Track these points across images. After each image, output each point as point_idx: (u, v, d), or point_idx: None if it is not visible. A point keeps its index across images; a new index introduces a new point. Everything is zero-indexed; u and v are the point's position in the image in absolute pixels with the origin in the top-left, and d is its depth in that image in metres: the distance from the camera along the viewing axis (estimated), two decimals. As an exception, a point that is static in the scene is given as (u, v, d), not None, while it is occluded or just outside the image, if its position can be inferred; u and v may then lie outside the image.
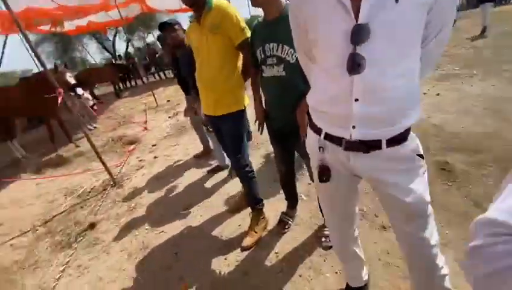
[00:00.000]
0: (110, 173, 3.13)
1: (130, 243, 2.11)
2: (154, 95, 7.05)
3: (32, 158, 4.77)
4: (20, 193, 3.39)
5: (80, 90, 4.58)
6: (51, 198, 3.19)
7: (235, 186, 2.52)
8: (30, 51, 3.37)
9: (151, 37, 24.01)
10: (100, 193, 3.06)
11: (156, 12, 12.88)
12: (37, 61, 2.94)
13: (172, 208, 2.47)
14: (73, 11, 6.69)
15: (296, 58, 1.27)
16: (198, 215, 2.29)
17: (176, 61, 2.70)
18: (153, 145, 4.23)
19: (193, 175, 2.99)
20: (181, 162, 3.42)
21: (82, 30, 10.53)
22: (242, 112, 1.72)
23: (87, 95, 5.23)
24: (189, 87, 2.52)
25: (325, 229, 1.72)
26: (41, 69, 3.19)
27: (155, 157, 3.75)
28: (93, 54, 21.47)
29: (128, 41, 20.34)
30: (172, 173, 3.18)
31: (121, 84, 11.06)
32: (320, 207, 1.53)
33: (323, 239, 1.70)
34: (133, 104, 7.84)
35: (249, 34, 1.52)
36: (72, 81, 4.51)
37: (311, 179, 1.59)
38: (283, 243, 1.79)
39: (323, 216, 1.77)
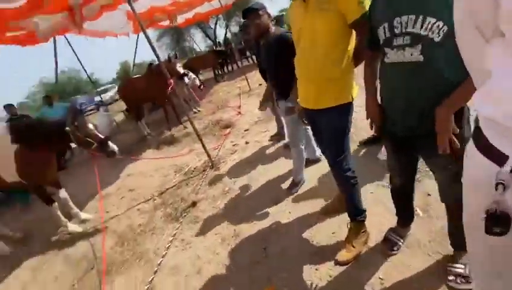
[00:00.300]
0: (209, 155, 3.43)
1: (224, 229, 2.24)
2: (247, 80, 7.31)
3: (154, 136, 5.84)
4: (145, 166, 4.17)
5: (186, 79, 5.18)
6: (166, 173, 3.79)
7: (327, 183, 2.28)
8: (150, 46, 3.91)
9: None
10: (201, 172, 3.41)
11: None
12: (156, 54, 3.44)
13: (261, 198, 2.47)
14: (183, 4, 7.54)
15: (444, 35, 0.88)
16: (287, 211, 2.19)
17: (259, 49, 2.58)
18: (245, 130, 4.39)
19: (282, 165, 2.91)
20: (271, 149, 3.40)
21: (190, 22, 11.94)
22: (349, 106, 1.43)
23: (194, 77, 5.92)
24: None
25: (458, 265, 1.29)
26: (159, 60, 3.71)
27: (246, 142, 3.87)
28: (198, 42, 24.39)
29: (226, 27, 21.95)
30: (262, 160, 3.19)
31: (220, 70, 12.09)
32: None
33: (451, 277, 1.28)
34: (229, 88, 8.41)
35: (367, 7, 1.18)
36: (181, 70, 5.12)
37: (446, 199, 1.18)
38: (389, 267, 1.47)
39: (455, 248, 1.34)
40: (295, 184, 2.39)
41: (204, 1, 8.69)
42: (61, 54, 6.99)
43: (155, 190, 3.37)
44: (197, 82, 5.98)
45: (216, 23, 21.48)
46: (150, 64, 7.67)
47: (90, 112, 14.55)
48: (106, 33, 7.40)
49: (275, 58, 1.99)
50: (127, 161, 4.41)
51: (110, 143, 2.66)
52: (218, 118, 5.42)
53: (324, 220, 1.94)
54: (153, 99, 6.19)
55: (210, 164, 3.44)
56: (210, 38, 21.67)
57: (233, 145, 3.97)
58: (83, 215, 3.15)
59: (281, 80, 2.05)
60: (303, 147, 2.34)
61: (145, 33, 3.01)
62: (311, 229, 1.91)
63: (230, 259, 1.91)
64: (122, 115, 8.98)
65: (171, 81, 3.05)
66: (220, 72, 11.15)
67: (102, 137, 2.64)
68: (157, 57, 3.05)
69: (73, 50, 6.92)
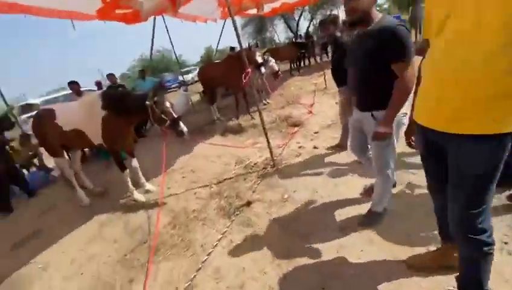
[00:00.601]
0: (271, 153, 3.19)
1: (276, 244, 1.97)
2: (324, 76, 6.76)
3: (222, 121, 5.95)
4: (209, 150, 4.22)
5: (263, 69, 5.02)
6: (227, 161, 3.73)
7: (417, 220, 1.75)
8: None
9: (335, 13, 23.77)
10: (261, 169, 3.20)
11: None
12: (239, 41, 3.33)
13: (326, 219, 2.10)
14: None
15: None
16: (358, 247, 1.77)
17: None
18: (314, 133, 3.99)
19: (355, 183, 2.44)
20: (342, 163, 2.94)
21: (275, 11, 11.79)
22: (510, 137, 0.93)
23: (273, 63, 5.74)
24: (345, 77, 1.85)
25: None
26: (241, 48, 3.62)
27: (315, 147, 3.48)
28: (279, 33, 24.30)
29: (310, 20, 21.17)
30: (331, 172, 2.78)
31: (297, 63, 11.70)
32: None
33: None
34: (303, 84, 7.98)
35: None
36: (260, 60, 4.96)
37: None
38: None
39: None
40: (373, 215, 1.92)
41: None
42: (157, 34, 7.67)
43: (214, 177, 3.34)
44: (275, 68, 5.78)
45: (301, 15, 20.90)
46: (232, 49, 7.86)
47: (173, 90, 16.20)
48: (196, 17, 7.83)
49: (372, 56, 1.46)
50: (194, 141, 4.57)
51: (181, 123, 2.70)
52: (287, 114, 5.12)
53: (410, 276, 1.47)
54: (227, 85, 6.28)
55: (271, 163, 3.20)
56: (291, 30, 21.27)
57: (300, 147, 3.63)
58: (148, 186, 3.35)
59: (374, 87, 1.56)
60: (391, 172, 1.77)
61: (233, 19, 2.87)
62: (390, 284, 1.47)
63: (279, 286, 1.63)
64: (198, 96, 9.56)
65: (249, 70, 2.88)
66: (296, 65, 10.73)
67: (175, 116, 2.69)
68: (240, 44, 2.91)
69: (167, 31, 7.54)
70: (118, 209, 3.12)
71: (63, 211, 3.49)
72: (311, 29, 20.94)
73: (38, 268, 2.44)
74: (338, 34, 2.85)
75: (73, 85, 4.48)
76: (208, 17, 8.76)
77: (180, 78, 14.88)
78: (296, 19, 20.94)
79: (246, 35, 22.58)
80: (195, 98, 9.62)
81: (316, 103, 5.47)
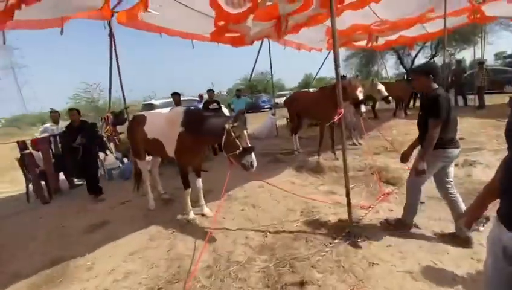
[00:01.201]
0: (349, 215, 2.46)
1: None
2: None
3: (300, 153, 5.47)
4: (277, 185, 3.80)
5: (363, 108, 4.32)
6: (291, 206, 3.19)
7: None
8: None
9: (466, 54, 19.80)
10: (329, 235, 2.50)
11: (491, 21, 9.81)
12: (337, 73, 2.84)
13: None
14: (391, 26, 6.54)
15: None
16: None
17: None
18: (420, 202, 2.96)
19: None
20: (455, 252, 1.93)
21: (389, 44, 10.62)
22: None
23: (381, 87, 5.04)
24: None
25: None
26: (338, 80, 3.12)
27: (415, 225, 2.51)
28: (389, 68, 22.20)
29: (431, 57, 18.38)
30: (427, 271, 1.85)
31: (407, 103, 10.12)
32: None
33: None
34: (409, 129, 6.61)
35: None
36: (361, 97, 4.29)
37: None
38: None
39: None
40: None
41: (417, 22, 7.20)
42: (262, 56, 8.01)
43: (272, 221, 2.86)
44: (385, 92, 5.10)
45: (419, 51, 18.47)
46: (343, 77, 7.28)
47: (266, 110, 16.88)
48: (301, 45, 7.79)
49: None
50: (264, 170, 4.23)
51: (252, 155, 2.44)
52: (381, 165, 4.15)
53: None
54: (315, 118, 5.80)
55: (347, 230, 2.46)
56: (404, 66, 19.00)
57: (391, 212, 2.74)
58: (205, 210, 3.17)
59: None
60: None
61: (335, 52, 2.40)
62: None
63: None
64: (285, 121, 9.41)
65: (342, 110, 2.34)
66: (403, 105, 9.19)
67: (249, 145, 2.45)
68: (337, 76, 2.42)
69: (270, 54, 7.75)
70: (171, 225, 3.04)
71: (132, 209, 3.72)
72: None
73: (87, 264, 2.52)
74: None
75: (175, 96, 5.00)
76: (314, 46, 8.66)
77: (275, 100, 15.39)
78: (413, 54, 18.62)
79: (349, 66, 21.65)
80: (282, 122, 9.51)
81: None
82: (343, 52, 22.68)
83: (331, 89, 4.18)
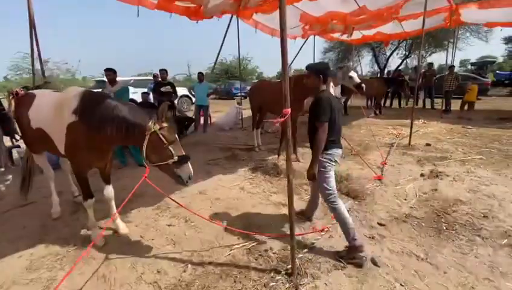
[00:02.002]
0: (292, 253, 1.87)
1: None
2: (411, 126, 5.04)
3: (261, 150, 4.89)
4: (227, 185, 3.16)
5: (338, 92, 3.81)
6: (230, 221, 2.58)
7: None
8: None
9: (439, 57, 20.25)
10: (268, 271, 1.93)
11: (463, 25, 9.85)
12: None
13: None
14: (370, 16, 6.05)
15: None
16: None
17: None
18: (378, 224, 2.49)
19: None
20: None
21: (366, 39, 10.28)
22: None
23: (353, 74, 4.62)
24: None
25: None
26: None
27: (373, 262, 2.01)
28: (365, 65, 22.33)
29: (405, 58, 18.67)
30: None
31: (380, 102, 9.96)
32: None
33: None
34: (378, 130, 6.31)
35: None
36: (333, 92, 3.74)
37: None
38: None
39: None
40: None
41: (395, 18, 6.81)
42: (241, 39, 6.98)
43: (200, 246, 2.22)
44: (357, 79, 4.70)
45: (394, 51, 18.61)
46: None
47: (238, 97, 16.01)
48: (274, 31, 7.03)
49: None
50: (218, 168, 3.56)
51: (189, 165, 1.90)
52: (342, 173, 3.68)
53: None
54: (274, 111, 5.20)
55: (288, 267, 1.89)
56: (379, 65, 19.13)
57: (327, 232, 2.24)
58: (120, 226, 2.41)
59: None
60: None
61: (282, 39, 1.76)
62: None
63: None
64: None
65: (288, 111, 1.76)
66: (376, 104, 8.95)
67: (184, 154, 1.89)
68: (284, 67, 1.79)
69: (238, 37, 6.90)
70: (66, 245, 2.28)
71: (29, 215, 2.86)
72: (404, 68, 18.49)
73: None
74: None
75: (108, 72, 4.03)
76: (287, 34, 7.91)
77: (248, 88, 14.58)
78: (388, 54, 18.77)
79: (327, 60, 21.37)
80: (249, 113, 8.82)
81: (390, 164, 3.89)
82: (320, 44, 22.31)
83: (295, 80, 3.56)
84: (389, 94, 10.38)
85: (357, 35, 9.17)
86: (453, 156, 4.11)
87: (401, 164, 3.89)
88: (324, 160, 2.05)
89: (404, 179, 3.42)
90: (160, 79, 5.73)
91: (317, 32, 7.72)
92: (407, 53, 18.37)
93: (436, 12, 7.12)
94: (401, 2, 5.71)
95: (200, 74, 6.47)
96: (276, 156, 4.41)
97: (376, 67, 20.25)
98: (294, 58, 10.41)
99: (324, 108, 1.97)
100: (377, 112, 8.56)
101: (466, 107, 7.81)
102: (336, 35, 8.35)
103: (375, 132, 6.08)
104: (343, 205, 2.08)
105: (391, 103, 10.61)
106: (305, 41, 9.75)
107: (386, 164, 3.83)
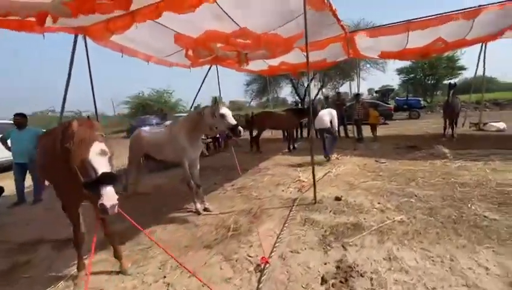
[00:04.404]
0: None
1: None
2: (313, 178, 3.79)
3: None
4: None
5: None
6: None
7: None
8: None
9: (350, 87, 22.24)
10: None
11: (362, 58, 10.24)
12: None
13: None
14: (256, 39, 5.04)
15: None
16: None
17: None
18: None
19: None
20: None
21: (274, 71, 9.69)
22: None
23: (228, 114, 2.98)
24: None
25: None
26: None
27: None
28: (288, 95, 22.88)
29: (320, 88, 19.68)
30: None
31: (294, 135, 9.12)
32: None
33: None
34: (285, 173, 5.02)
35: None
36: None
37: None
38: None
39: None
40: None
41: (286, 45, 5.95)
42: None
43: None
44: (232, 120, 3.09)
45: (311, 80, 19.42)
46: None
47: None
48: (124, 49, 5.31)
49: None
50: None
51: None
52: (224, 252, 1.98)
53: None
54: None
55: None
56: (298, 95, 19.63)
57: None
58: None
59: None
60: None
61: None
62: None
63: None
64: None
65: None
66: (289, 137, 7.98)
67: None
68: None
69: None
70: None
71: None
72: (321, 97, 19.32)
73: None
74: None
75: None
76: (178, 62, 6.48)
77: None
78: (305, 84, 19.48)
79: (250, 92, 21.15)
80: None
81: (278, 257, 2.36)
82: (242, 77, 22.03)
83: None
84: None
85: (262, 65, 8.43)
86: (368, 221, 2.87)
87: (295, 253, 2.39)
88: None
89: (304, 260, 1.90)
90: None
91: (212, 61, 6.50)
92: (322, 83, 19.40)
93: (332, 41, 6.80)
94: (291, 36, 4.90)
95: (20, 117, 4.19)
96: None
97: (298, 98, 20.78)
98: (198, 91, 8.95)
99: None
100: (291, 147, 7.53)
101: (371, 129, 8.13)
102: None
103: (280, 179, 4.75)
104: None
105: (301, 135, 10.00)
106: (208, 71, 8.58)
107: (268, 262, 2.26)
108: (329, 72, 18.12)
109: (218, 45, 5.11)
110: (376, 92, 20.76)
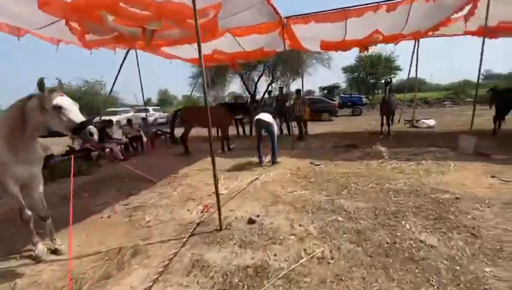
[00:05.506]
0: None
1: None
2: (218, 199, 2.91)
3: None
4: None
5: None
6: None
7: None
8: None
9: (302, 85, 22.13)
10: None
11: (305, 51, 9.74)
12: None
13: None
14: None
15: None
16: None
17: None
18: None
19: None
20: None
21: (207, 59, 8.54)
22: None
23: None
24: None
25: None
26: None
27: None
28: (236, 90, 21.89)
29: (270, 83, 19.17)
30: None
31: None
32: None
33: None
34: (203, 181, 4.04)
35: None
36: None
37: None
38: None
39: None
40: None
41: (216, 29, 4.92)
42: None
43: None
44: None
45: (261, 76, 18.79)
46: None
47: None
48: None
49: None
50: None
51: None
52: None
53: None
54: None
55: None
56: (248, 90, 18.84)
57: None
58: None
59: None
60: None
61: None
62: None
63: None
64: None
65: None
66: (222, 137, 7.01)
67: None
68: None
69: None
70: None
71: None
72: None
73: None
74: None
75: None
76: (63, 39, 4.93)
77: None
78: (255, 79, 18.79)
79: (198, 85, 19.61)
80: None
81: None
82: (189, 69, 20.14)
83: None
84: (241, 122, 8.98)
85: (193, 53, 7.23)
86: (279, 260, 2.06)
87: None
88: None
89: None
90: None
91: (116, 41, 5.12)
92: (272, 79, 18.90)
93: (268, 28, 6.03)
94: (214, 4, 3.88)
95: None
96: None
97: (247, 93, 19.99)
98: (114, 82, 7.38)
99: None
100: (226, 148, 6.59)
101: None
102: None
103: (194, 191, 3.76)
104: None
105: (243, 133, 9.19)
106: (126, 56, 7.11)
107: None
108: (278, 67, 17.71)
109: (111, 17, 3.84)
110: (323, 89, 21.08)
